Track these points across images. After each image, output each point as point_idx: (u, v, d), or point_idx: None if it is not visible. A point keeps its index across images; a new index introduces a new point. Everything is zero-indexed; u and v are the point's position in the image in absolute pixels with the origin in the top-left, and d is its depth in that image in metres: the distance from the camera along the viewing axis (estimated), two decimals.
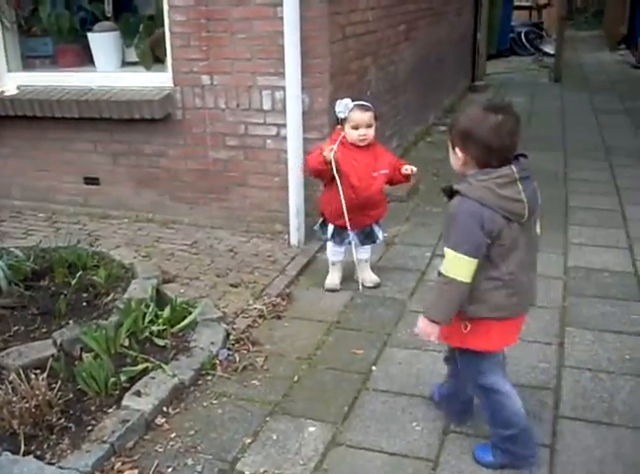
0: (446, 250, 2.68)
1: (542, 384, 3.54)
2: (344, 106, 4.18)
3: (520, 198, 2.67)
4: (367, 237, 4.51)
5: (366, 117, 4.22)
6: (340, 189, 4.21)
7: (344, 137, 4.24)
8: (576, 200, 6.36)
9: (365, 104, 4.26)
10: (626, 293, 4.50)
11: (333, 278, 4.61)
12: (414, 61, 7.81)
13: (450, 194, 2.71)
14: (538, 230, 2.91)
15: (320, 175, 4.33)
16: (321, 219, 4.55)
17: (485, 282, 2.71)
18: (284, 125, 5.11)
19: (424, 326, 2.77)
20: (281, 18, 4.86)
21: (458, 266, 2.65)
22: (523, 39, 17.60)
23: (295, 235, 5.22)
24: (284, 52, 4.91)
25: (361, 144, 4.25)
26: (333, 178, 4.22)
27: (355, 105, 4.19)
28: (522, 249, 2.74)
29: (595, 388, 3.50)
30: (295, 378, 3.63)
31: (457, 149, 2.73)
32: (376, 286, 4.60)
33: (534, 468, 2.92)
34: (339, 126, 4.32)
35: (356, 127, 4.20)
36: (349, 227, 4.34)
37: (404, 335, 4.00)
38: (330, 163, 4.12)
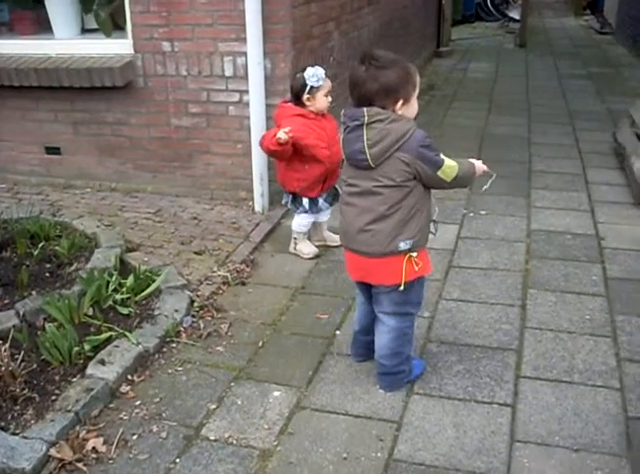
0: None
1: (504, 345, 3.58)
2: (319, 74, 4.14)
3: (342, 141, 2.98)
4: (334, 197, 4.53)
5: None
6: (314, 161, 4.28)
7: (302, 109, 4.23)
8: (539, 165, 6.41)
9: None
10: (587, 255, 4.57)
11: (309, 246, 4.61)
12: (377, 26, 7.77)
13: None
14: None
15: (274, 155, 4.31)
16: (290, 196, 4.51)
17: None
18: (247, 92, 5.07)
19: None
20: None
21: None
22: (489, 5, 17.58)
23: (259, 202, 5.21)
24: (246, 17, 4.85)
25: (325, 111, 4.26)
26: (295, 154, 4.22)
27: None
28: (353, 189, 3.00)
29: (556, 348, 3.55)
30: (260, 344, 3.64)
31: None
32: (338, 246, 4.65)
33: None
34: (287, 101, 4.33)
35: (326, 95, 4.21)
36: (322, 196, 4.48)
37: None
38: (286, 144, 4.09)
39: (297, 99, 4.24)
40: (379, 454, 2.86)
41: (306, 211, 4.49)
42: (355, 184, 2.98)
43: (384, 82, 2.81)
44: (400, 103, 2.86)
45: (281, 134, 4.05)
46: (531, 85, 10.01)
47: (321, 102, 4.22)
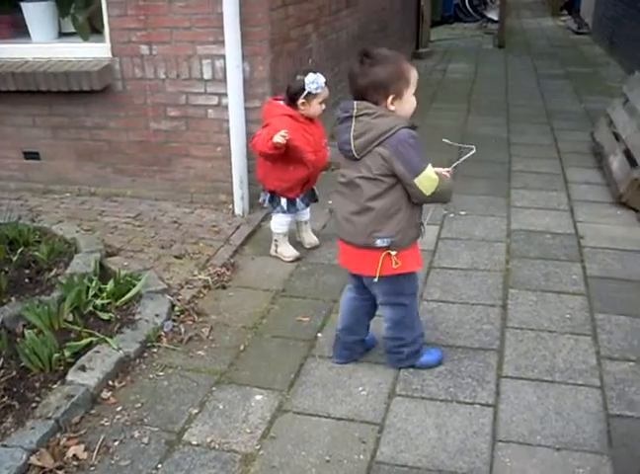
0: None
1: (486, 345, 3.59)
2: (320, 82, 4.16)
3: (335, 131, 3.10)
4: (311, 198, 4.59)
5: None
6: (303, 163, 4.31)
7: (293, 110, 4.23)
8: (519, 165, 6.43)
9: None
10: (567, 254, 4.59)
11: (290, 249, 4.60)
12: (356, 29, 7.77)
13: None
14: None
15: (267, 157, 4.30)
16: (268, 195, 4.52)
17: None
18: (226, 95, 5.06)
19: None
20: None
21: None
22: (467, 6, 17.63)
23: (240, 205, 5.19)
24: (224, 20, 4.84)
25: (316, 117, 4.31)
26: (281, 155, 4.21)
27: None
28: (342, 179, 3.10)
29: (537, 347, 3.57)
30: (241, 347, 3.63)
31: None
32: (315, 247, 4.70)
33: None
34: (278, 99, 4.33)
35: (322, 102, 4.24)
36: (300, 197, 4.49)
37: None
38: (280, 148, 4.10)
39: (292, 101, 4.23)
40: (362, 457, 2.85)
41: (284, 211, 4.49)
42: (344, 174, 3.10)
43: (373, 78, 2.90)
44: (391, 98, 2.93)
45: (279, 138, 4.04)
46: (510, 85, 10.05)
47: (315, 108, 4.24)
